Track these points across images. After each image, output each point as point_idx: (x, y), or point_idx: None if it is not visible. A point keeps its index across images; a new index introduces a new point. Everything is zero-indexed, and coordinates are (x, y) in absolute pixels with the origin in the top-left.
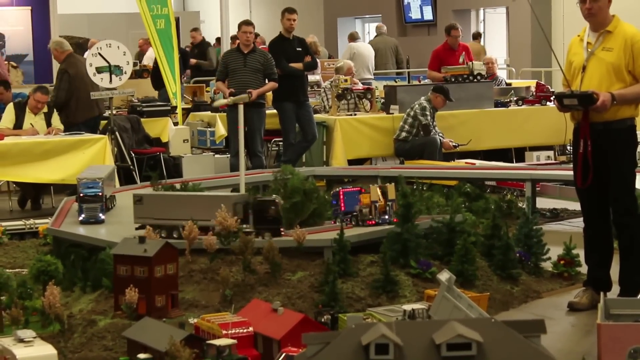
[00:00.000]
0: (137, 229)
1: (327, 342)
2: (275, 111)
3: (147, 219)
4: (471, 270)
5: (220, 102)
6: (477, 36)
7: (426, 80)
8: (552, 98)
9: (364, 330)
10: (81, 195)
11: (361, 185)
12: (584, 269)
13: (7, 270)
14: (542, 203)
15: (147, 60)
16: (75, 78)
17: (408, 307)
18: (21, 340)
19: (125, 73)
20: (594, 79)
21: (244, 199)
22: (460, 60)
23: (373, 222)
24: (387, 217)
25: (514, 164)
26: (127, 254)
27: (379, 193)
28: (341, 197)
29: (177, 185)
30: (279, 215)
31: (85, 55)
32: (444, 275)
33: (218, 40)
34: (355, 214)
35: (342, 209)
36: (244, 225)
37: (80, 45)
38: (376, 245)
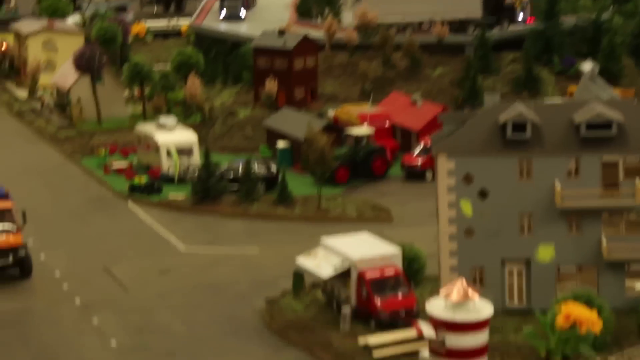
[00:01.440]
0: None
1: (463, 121)
2: None
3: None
4: (617, 68)
5: None
6: None
7: None
8: None
9: (502, 109)
10: None
11: None
12: None
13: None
14: None
15: None
16: None
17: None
18: (164, 126)
19: None
20: None
21: None
22: None
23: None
24: (522, 16)
25: None
26: (267, 47)
27: None
28: None
29: None
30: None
31: None
32: (587, 66)
33: None
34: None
35: None
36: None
37: None
38: (518, 42)
